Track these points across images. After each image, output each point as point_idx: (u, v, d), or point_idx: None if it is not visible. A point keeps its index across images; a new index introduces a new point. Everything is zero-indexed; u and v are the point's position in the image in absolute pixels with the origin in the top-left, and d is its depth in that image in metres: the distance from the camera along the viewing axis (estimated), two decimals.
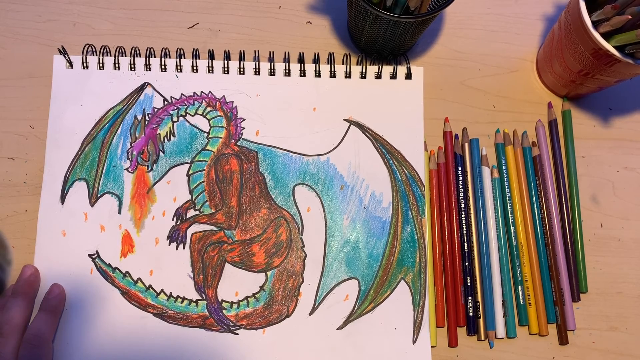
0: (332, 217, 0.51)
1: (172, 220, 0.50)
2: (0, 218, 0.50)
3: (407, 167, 0.52)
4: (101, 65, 0.53)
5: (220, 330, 0.48)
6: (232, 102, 0.53)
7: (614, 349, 0.50)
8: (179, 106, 0.53)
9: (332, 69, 0.54)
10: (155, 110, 0.53)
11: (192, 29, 0.56)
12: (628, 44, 0.44)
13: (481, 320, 0.49)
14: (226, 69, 0.54)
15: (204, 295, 0.49)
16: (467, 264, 0.50)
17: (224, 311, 0.48)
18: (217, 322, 0.48)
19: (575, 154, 0.53)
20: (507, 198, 0.52)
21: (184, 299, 0.49)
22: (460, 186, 0.52)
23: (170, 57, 0.54)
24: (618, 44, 0.44)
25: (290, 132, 0.53)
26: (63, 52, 0.53)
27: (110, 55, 0.54)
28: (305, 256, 0.50)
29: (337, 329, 0.48)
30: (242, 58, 0.54)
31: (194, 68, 0.54)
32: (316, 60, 0.54)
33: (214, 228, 0.50)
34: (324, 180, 0.52)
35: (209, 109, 0.53)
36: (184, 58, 0.54)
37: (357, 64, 0.55)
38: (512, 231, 0.51)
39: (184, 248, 0.50)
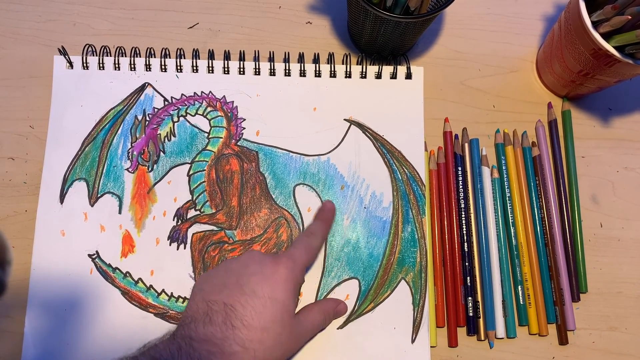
0: None
1: (173, 220, 0.50)
2: (0, 218, 0.50)
3: (408, 167, 0.52)
4: (101, 65, 0.53)
5: None
6: (233, 102, 0.53)
7: (614, 349, 0.50)
8: (180, 106, 0.53)
9: (332, 69, 0.54)
10: (156, 110, 0.53)
11: (192, 29, 0.56)
12: (628, 44, 0.44)
13: (481, 320, 0.49)
14: (226, 69, 0.54)
15: None
16: (467, 264, 0.50)
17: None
18: None
19: (575, 154, 0.53)
20: (507, 198, 0.52)
21: (185, 299, 0.49)
22: (460, 186, 0.52)
23: (170, 57, 0.54)
24: (618, 44, 0.44)
25: (290, 132, 0.53)
26: (63, 52, 0.53)
27: (111, 56, 0.54)
28: None
29: (338, 328, 0.48)
30: (242, 58, 0.54)
31: (194, 68, 0.54)
32: (316, 60, 0.54)
33: (215, 228, 0.50)
34: (324, 180, 0.52)
35: (209, 109, 0.53)
36: (184, 58, 0.54)
37: (357, 64, 0.55)
38: (512, 231, 0.51)
39: (184, 248, 0.50)
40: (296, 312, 0.44)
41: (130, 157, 0.51)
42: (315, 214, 0.50)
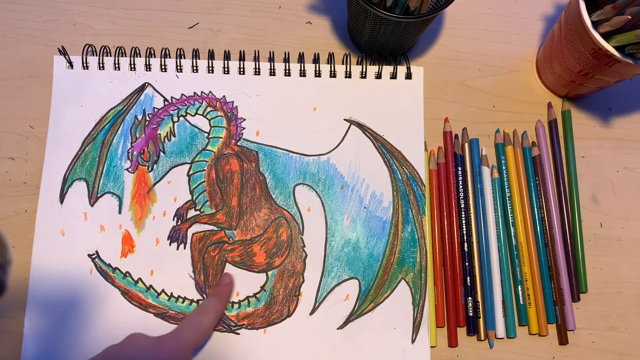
0: (333, 217, 0.51)
1: (173, 220, 0.50)
2: (0, 218, 0.50)
3: (408, 167, 0.52)
4: (101, 65, 0.53)
5: (221, 330, 0.48)
6: (233, 102, 0.53)
7: (614, 349, 0.50)
8: (179, 106, 0.53)
9: (332, 69, 0.54)
10: (156, 110, 0.53)
11: (192, 29, 0.56)
12: (628, 44, 0.44)
13: (481, 320, 0.49)
14: (226, 69, 0.54)
15: (205, 296, 0.49)
16: (467, 264, 0.50)
17: (225, 311, 0.48)
18: (218, 322, 0.48)
19: (575, 154, 0.53)
20: (507, 198, 0.52)
21: (184, 299, 0.49)
22: (460, 186, 0.52)
23: (170, 57, 0.54)
24: (618, 44, 0.44)
25: (290, 132, 0.53)
26: (63, 52, 0.53)
27: (111, 56, 0.54)
28: (306, 256, 0.50)
29: (338, 328, 0.48)
30: (242, 58, 0.54)
31: (194, 68, 0.54)
32: (316, 60, 0.54)
33: (215, 228, 0.50)
34: (324, 180, 0.52)
35: (209, 109, 0.53)
36: (184, 58, 0.54)
37: (357, 64, 0.55)
38: (512, 231, 0.51)
39: (184, 248, 0.50)
40: None
41: (130, 157, 0.51)
42: (213, 288, 0.49)
